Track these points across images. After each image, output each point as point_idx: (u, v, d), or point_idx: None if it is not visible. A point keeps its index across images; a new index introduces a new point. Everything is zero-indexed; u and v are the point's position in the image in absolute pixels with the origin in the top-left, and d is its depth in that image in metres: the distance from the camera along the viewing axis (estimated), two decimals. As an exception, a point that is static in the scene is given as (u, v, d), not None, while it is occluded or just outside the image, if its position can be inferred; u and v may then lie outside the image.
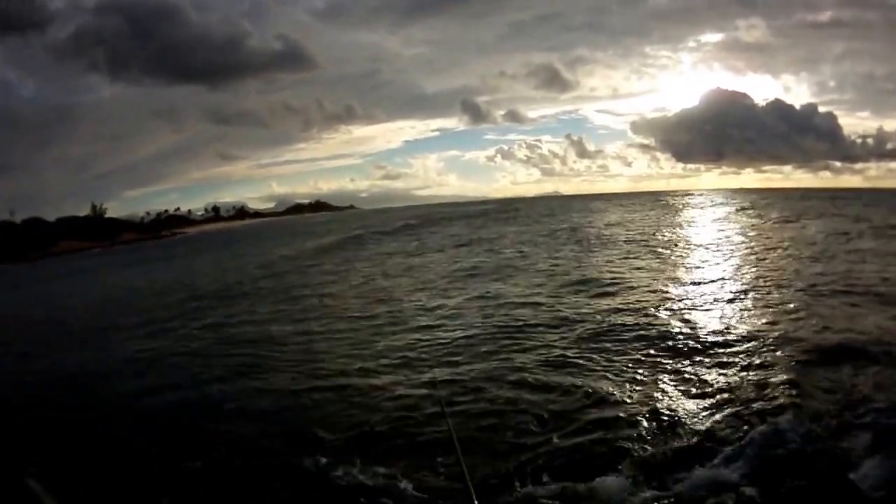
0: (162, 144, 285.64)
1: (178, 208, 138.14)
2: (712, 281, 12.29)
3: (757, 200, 51.95)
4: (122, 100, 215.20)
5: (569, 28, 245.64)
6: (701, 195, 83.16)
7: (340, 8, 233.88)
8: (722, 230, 25.05)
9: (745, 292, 10.76)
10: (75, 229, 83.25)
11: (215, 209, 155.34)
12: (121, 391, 7.71)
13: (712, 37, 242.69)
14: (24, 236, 70.10)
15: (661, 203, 58.52)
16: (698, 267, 14.65)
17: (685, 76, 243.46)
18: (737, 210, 39.94)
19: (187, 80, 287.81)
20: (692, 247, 19.16)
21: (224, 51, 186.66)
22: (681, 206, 49.61)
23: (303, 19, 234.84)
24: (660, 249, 18.41)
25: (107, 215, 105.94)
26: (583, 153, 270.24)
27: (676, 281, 12.63)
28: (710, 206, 47.54)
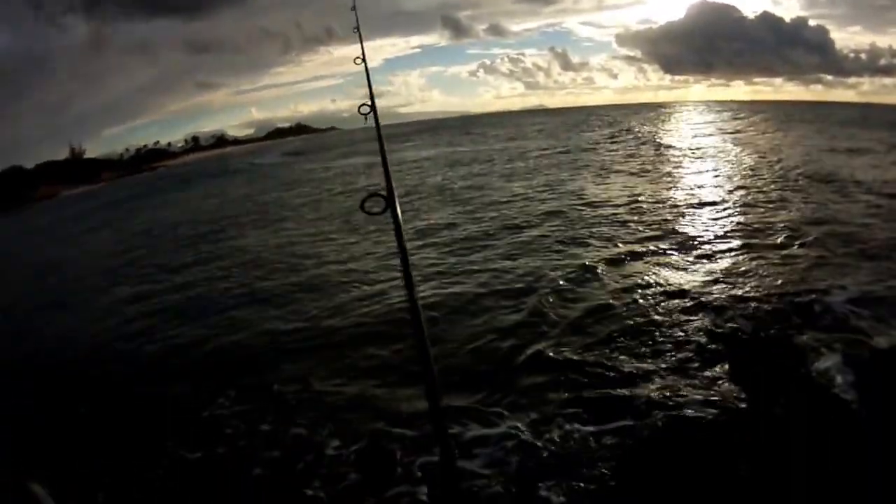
0: (139, 79, 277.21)
1: (158, 142, 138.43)
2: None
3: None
4: (97, 38, 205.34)
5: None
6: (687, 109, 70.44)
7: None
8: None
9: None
10: (54, 174, 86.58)
11: (195, 139, 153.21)
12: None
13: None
14: (3, 187, 73.50)
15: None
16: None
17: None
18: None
19: (164, 14, 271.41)
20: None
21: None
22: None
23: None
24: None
25: (86, 156, 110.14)
26: (567, 66, 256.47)
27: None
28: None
